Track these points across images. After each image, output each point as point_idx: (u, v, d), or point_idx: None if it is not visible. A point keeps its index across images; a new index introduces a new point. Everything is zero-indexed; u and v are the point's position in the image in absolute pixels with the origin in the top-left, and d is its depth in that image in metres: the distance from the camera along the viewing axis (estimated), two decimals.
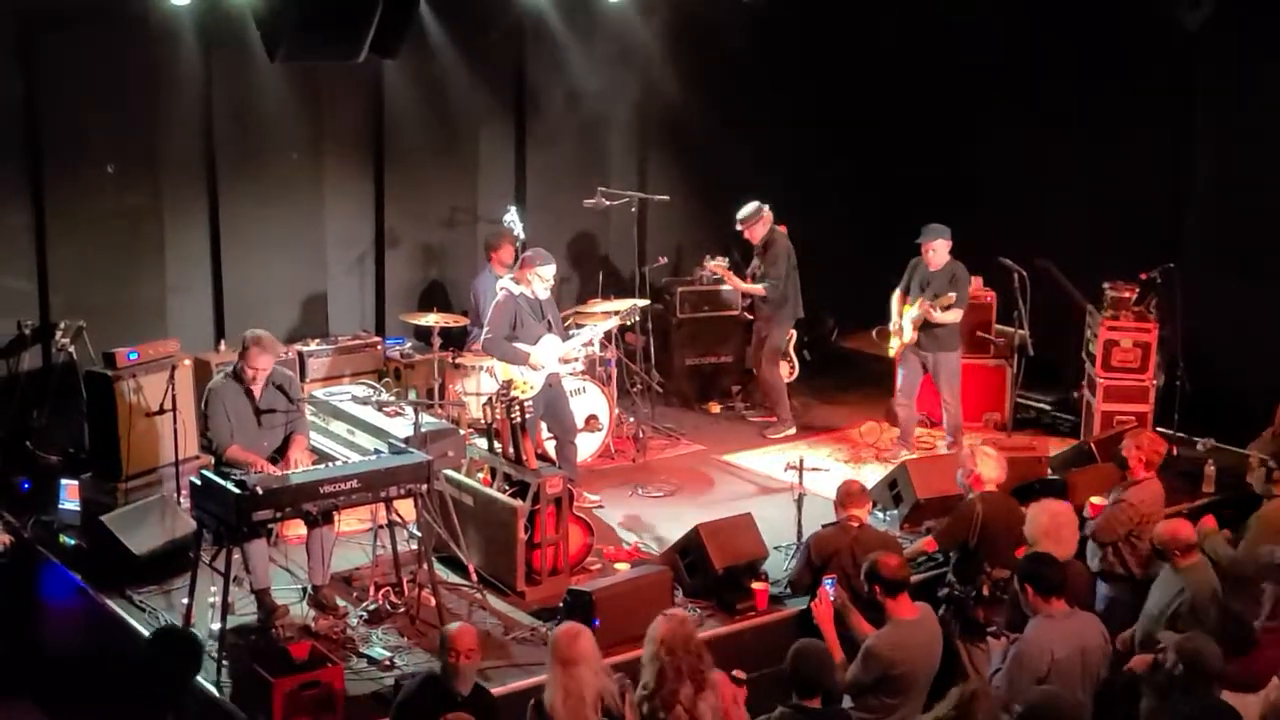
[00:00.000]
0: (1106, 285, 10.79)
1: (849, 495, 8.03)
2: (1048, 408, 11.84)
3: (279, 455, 8.20)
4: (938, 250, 10.48)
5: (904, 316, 10.59)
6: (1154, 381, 10.60)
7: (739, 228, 11.27)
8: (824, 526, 8.18)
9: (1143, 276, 10.68)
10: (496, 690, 7.09)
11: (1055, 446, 10.54)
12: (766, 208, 11.21)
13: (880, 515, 9.29)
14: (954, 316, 10.48)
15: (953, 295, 10.43)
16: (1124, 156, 11.84)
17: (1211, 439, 10.83)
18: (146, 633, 7.49)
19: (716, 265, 11.39)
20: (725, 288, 11.97)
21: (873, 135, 13.13)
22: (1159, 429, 10.55)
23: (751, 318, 11.77)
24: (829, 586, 7.31)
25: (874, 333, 10.95)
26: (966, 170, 13.18)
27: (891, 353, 10.83)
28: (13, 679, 8.14)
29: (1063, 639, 6.58)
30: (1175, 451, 10.58)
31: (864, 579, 6.94)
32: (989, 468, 8.15)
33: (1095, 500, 8.47)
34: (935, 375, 10.69)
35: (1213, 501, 9.78)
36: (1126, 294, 10.67)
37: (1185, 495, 9.83)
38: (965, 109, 13.06)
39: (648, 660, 6.21)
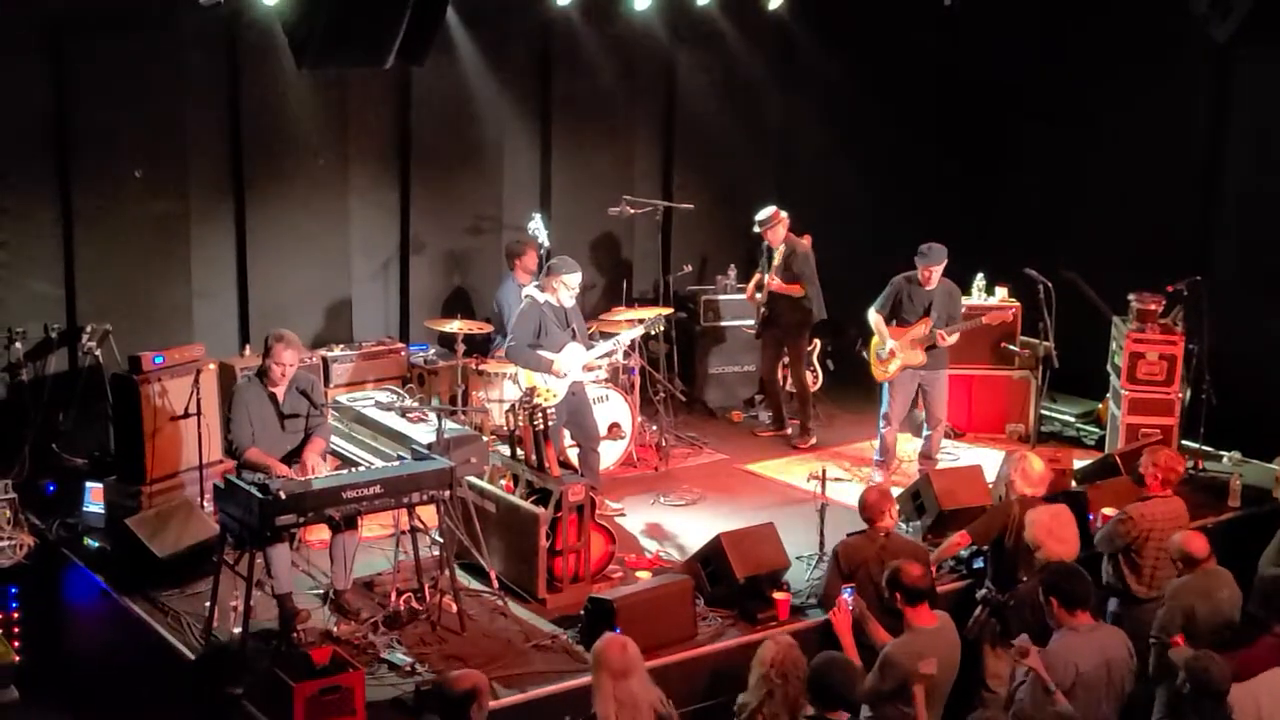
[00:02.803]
0: (1132, 297, 10.73)
1: (875, 503, 8.00)
2: (1072, 420, 11.80)
3: (297, 458, 8.21)
4: (937, 271, 10.36)
5: (903, 338, 10.37)
6: (1180, 394, 10.54)
7: (757, 230, 11.26)
8: (849, 535, 8.16)
9: (1169, 289, 10.62)
10: (516, 698, 7.12)
11: (1080, 459, 10.50)
12: (782, 211, 11.19)
13: (903, 526, 9.25)
14: (956, 338, 10.45)
15: (963, 323, 10.45)
16: (1151, 167, 11.80)
17: (1238, 452, 10.78)
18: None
19: (773, 276, 11.26)
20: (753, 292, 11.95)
21: (897, 144, 13.10)
22: (1185, 442, 10.52)
23: (758, 335, 11.69)
24: (848, 596, 7.29)
25: (871, 356, 10.77)
26: (992, 180, 13.16)
27: (887, 376, 10.47)
28: (38, 680, 8.17)
29: (1087, 652, 6.55)
30: (1201, 465, 10.54)
31: (885, 586, 6.93)
32: (1032, 477, 8.14)
33: (1106, 511, 8.48)
34: (929, 394, 10.49)
35: (1238, 516, 9.73)
36: (1153, 306, 10.60)
37: (1210, 509, 9.76)
38: (991, 119, 13.03)
39: (756, 682, 6.23)
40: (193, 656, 7.50)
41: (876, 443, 10.66)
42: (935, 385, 10.49)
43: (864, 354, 10.79)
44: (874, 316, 10.53)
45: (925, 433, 10.62)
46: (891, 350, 10.38)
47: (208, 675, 7.29)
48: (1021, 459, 8.34)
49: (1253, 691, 6.33)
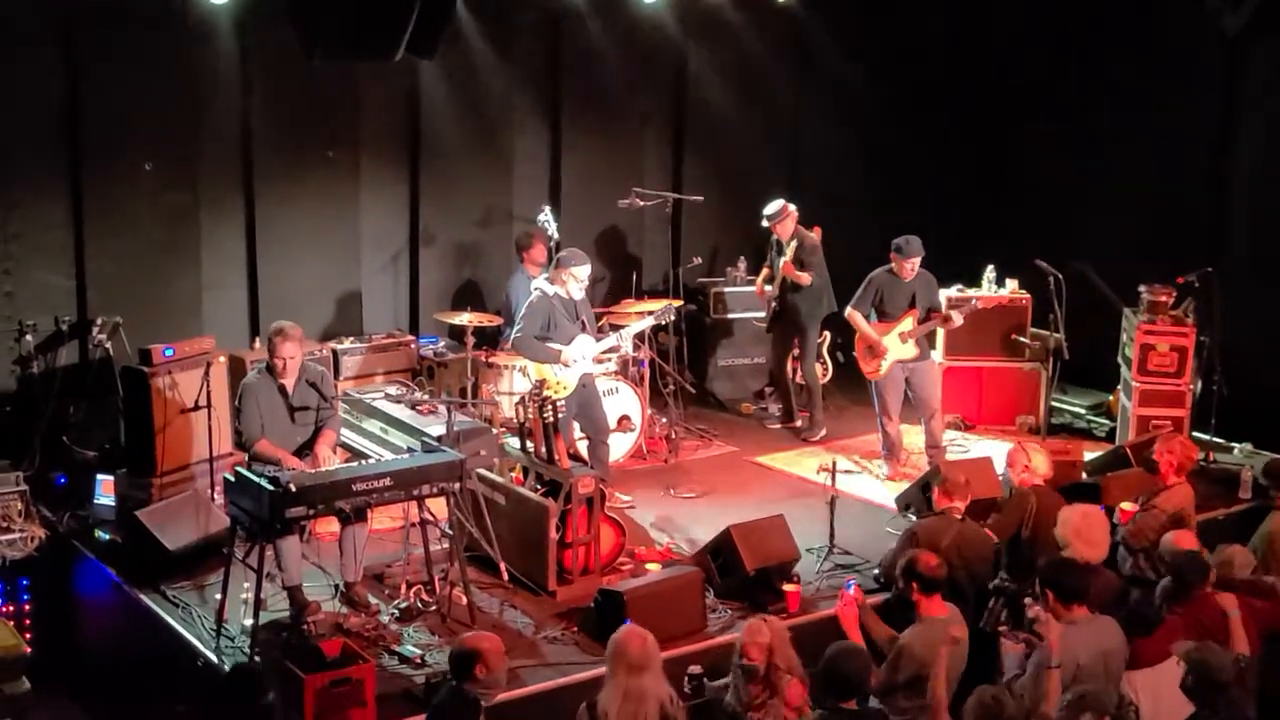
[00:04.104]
0: (1143, 289, 10.71)
1: (955, 486, 7.97)
2: (1083, 412, 11.78)
3: (308, 450, 8.23)
4: (916, 264, 10.30)
5: (891, 334, 10.29)
6: (1190, 386, 10.52)
7: (766, 224, 11.27)
8: (924, 516, 8.15)
9: (1180, 280, 10.59)
10: (526, 690, 7.13)
11: (1090, 451, 10.48)
12: (791, 205, 11.19)
13: (913, 518, 9.23)
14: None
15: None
16: (1162, 159, 11.76)
17: (1249, 444, 10.76)
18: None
19: (787, 262, 11.25)
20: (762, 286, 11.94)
21: (908, 136, 13.08)
22: (1195, 434, 10.50)
23: (768, 328, 11.68)
24: (850, 589, 7.27)
25: (859, 355, 10.68)
26: (1002, 172, 13.13)
27: (879, 374, 10.35)
28: (49, 672, 8.19)
29: (1085, 644, 6.55)
30: (1212, 457, 10.52)
31: (900, 575, 6.91)
32: (1040, 462, 8.15)
33: (1125, 505, 8.46)
34: (921, 385, 10.42)
35: (1249, 507, 9.71)
36: (1163, 298, 10.59)
37: (1221, 501, 9.75)
38: (1002, 110, 13.00)
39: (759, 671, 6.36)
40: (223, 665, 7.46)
41: (880, 438, 10.64)
42: (922, 375, 10.44)
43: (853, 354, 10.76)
44: (854, 315, 10.46)
45: (923, 425, 10.60)
46: (884, 346, 10.33)
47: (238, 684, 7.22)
48: (1024, 448, 8.33)
49: (1142, 683, 6.42)
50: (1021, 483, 8.25)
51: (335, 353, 10.74)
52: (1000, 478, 9.14)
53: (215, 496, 8.92)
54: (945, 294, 10.93)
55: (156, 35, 10.19)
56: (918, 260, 10.27)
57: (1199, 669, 6.02)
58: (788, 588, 8.13)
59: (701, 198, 12.14)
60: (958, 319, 10.36)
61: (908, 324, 10.30)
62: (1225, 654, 6.25)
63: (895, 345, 10.31)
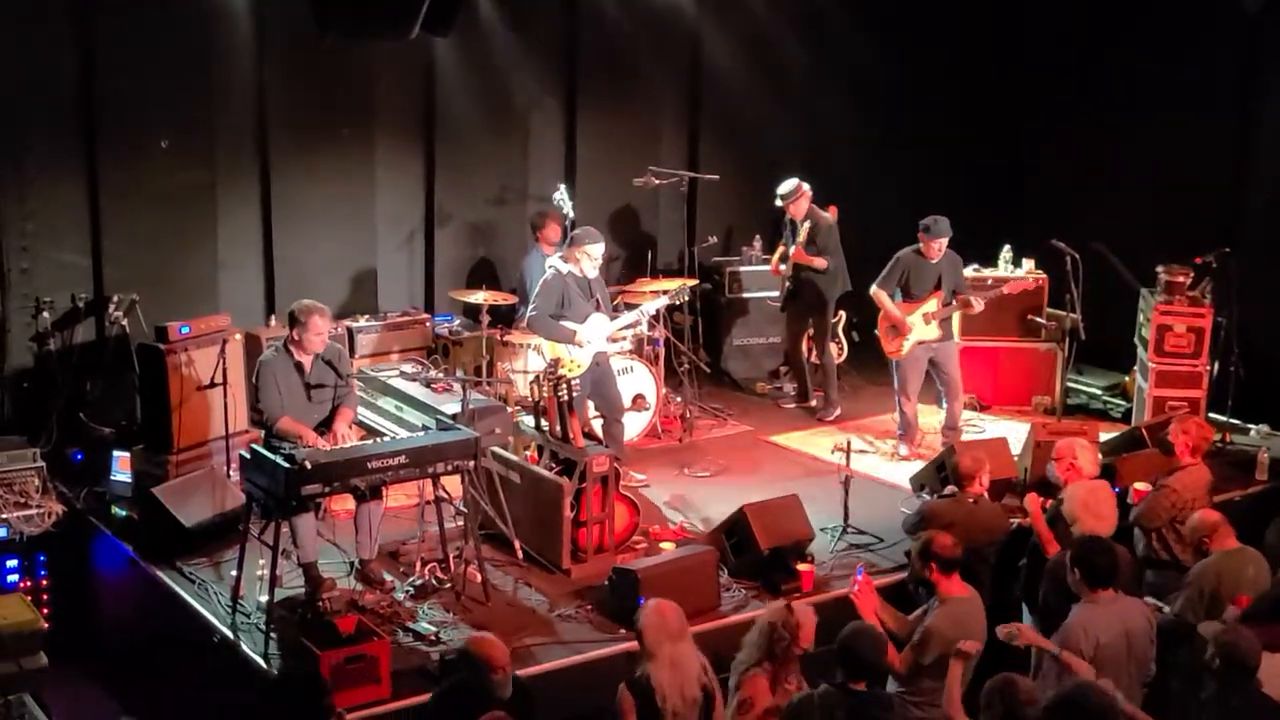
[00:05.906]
0: (1160, 269, 10.67)
1: (968, 467, 7.99)
2: (1099, 392, 11.75)
3: (325, 429, 8.24)
4: (943, 244, 10.26)
5: (915, 313, 10.26)
6: (1207, 367, 10.49)
7: (780, 204, 11.24)
8: (938, 498, 8.15)
9: (1198, 260, 10.55)
10: (540, 668, 7.15)
11: (1106, 431, 10.46)
12: (805, 184, 11.16)
13: (928, 498, 9.23)
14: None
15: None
16: (1181, 139, 11.70)
17: (1265, 426, 10.73)
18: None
19: (798, 248, 11.22)
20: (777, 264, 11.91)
21: (925, 115, 13.03)
22: (1212, 415, 10.47)
23: (783, 308, 11.67)
24: (859, 576, 7.24)
25: (881, 334, 10.63)
26: (1020, 151, 13.07)
27: (901, 354, 10.32)
28: (67, 647, 8.24)
29: (1106, 624, 6.53)
30: (1228, 438, 10.49)
31: (917, 558, 6.91)
32: (1086, 460, 8.12)
33: (1139, 486, 8.44)
34: (943, 365, 10.38)
35: (1265, 489, 9.69)
36: (1181, 278, 10.54)
37: (1238, 483, 9.72)
38: (1019, 90, 12.94)
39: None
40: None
41: (897, 417, 10.62)
42: (946, 356, 10.42)
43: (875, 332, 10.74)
44: (879, 293, 10.41)
45: (945, 405, 10.58)
46: (908, 326, 10.30)
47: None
48: (1074, 445, 8.21)
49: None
50: (1066, 479, 8.20)
51: (351, 330, 10.76)
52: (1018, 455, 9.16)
53: (231, 473, 8.95)
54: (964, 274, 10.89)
55: (172, 13, 10.18)
56: (945, 241, 10.22)
57: (1227, 651, 5.99)
58: (802, 567, 8.14)
59: (717, 176, 12.12)
60: (979, 304, 10.31)
61: (932, 305, 10.26)
62: (1255, 640, 6.20)
63: (919, 325, 10.28)
